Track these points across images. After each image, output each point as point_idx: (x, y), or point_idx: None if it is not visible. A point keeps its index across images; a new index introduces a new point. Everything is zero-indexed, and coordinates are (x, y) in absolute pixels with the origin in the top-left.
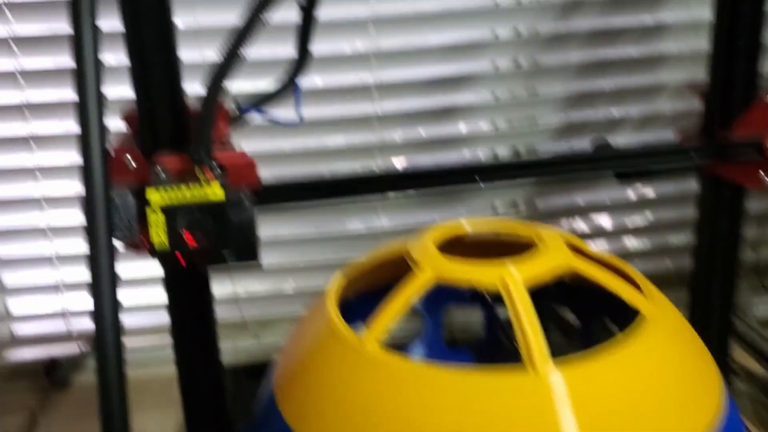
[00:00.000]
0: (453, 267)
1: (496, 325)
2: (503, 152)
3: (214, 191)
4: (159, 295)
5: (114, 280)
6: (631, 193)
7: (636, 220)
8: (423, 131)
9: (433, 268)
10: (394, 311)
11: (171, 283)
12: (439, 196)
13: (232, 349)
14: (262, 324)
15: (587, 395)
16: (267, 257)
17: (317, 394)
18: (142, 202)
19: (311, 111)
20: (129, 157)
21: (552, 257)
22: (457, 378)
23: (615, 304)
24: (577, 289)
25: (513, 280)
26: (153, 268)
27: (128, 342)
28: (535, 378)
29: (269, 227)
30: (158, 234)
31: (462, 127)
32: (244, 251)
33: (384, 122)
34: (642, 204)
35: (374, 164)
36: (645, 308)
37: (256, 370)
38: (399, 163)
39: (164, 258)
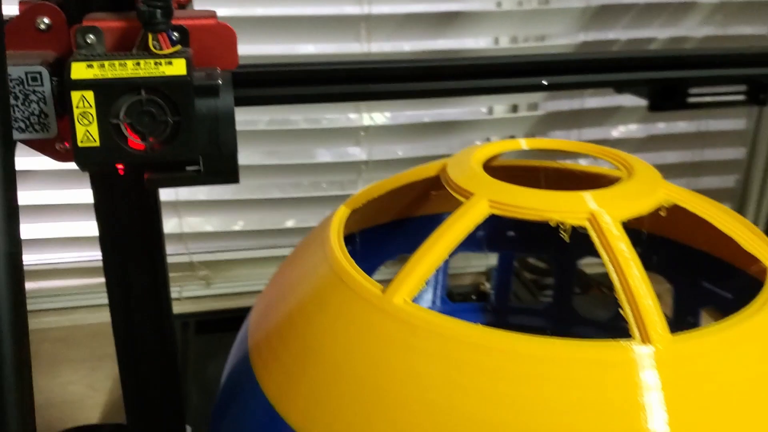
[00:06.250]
0: (517, 195)
1: (509, 278)
2: None
3: (173, 67)
4: (84, 225)
5: (13, 198)
6: None
7: (672, 127)
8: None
9: (489, 196)
10: (434, 257)
11: (104, 204)
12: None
13: (175, 295)
14: (212, 266)
15: (723, 376)
16: (213, 189)
17: (315, 365)
18: (63, 83)
19: None
20: (43, 17)
21: (647, 188)
22: (540, 350)
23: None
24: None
25: (606, 213)
26: (76, 182)
27: (44, 284)
28: (651, 351)
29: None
30: (86, 130)
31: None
32: (216, 161)
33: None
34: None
35: None
36: None
37: (209, 323)
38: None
39: (94, 165)
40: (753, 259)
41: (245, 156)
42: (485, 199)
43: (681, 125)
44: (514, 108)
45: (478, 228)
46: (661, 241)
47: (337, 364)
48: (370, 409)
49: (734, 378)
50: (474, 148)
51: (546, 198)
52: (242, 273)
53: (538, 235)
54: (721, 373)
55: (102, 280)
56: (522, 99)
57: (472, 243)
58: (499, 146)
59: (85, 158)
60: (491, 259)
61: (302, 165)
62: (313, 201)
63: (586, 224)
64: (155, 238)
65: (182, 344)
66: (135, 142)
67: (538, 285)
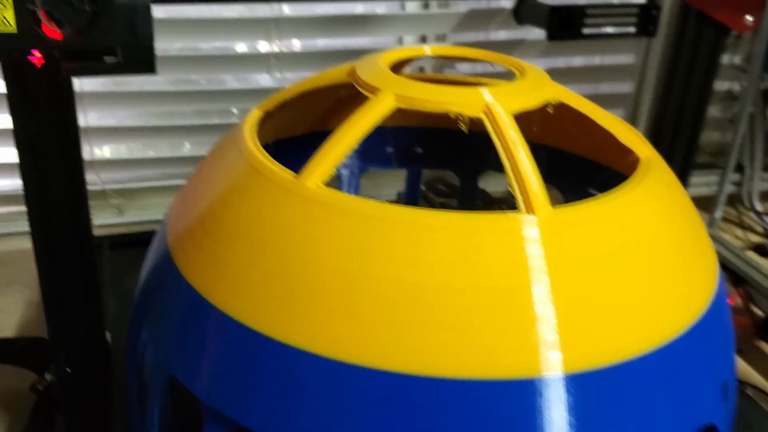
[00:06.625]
0: (421, 90)
1: (416, 196)
2: None
3: None
4: None
5: None
6: None
7: (569, 61)
8: None
9: (395, 91)
10: (345, 144)
11: (18, 98)
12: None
13: None
14: (124, 195)
15: (595, 241)
16: (124, 116)
17: (237, 249)
18: None
19: None
20: None
21: (537, 86)
22: (438, 223)
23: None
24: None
25: (500, 106)
26: None
27: None
28: (538, 221)
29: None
30: (2, 15)
31: None
32: (133, 51)
33: None
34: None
35: None
36: (648, 155)
37: (123, 243)
38: None
39: (10, 51)
40: (629, 153)
41: (156, 82)
42: (391, 94)
43: (578, 60)
44: (423, 39)
45: (388, 144)
46: (551, 150)
47: (258, 245)
48: (289, 279)
49: (604, 243)
50: (381, 53)
51: (447, 92)
52: (155, 201)
53: (444, 151)
54: (594, 238)
55: (7, 209)
56: (430, 31)
57: (382, 160)
58: (405, 51)
59: (1, 44)
60: (400, 185)
61: (213, 92)
62: (224, 128)
63: (482, 115)
64: (71, 136)
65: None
66: (52, 29)
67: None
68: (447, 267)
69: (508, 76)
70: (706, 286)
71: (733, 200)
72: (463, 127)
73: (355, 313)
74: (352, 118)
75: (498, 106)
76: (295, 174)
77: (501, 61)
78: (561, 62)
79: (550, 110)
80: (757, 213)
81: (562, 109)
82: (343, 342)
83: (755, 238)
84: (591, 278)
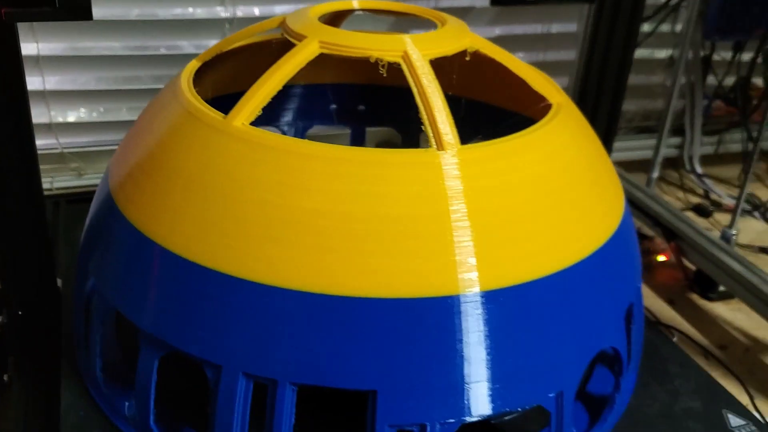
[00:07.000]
0: (345, 37)
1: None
2: None
3: None
4: None
5: None
6: None
7: (516, 30)
8: None
9: (320, 38)
10: (270, 86)
11: None
12: None
13: (47, 186)
14: (84, 158)
15: (503, 174)
16: (83, 81)
17: (174, 188)
18: None
19: None
20: None
21: (455, 35)
22: (356, 157)
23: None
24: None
25: (418, 51)
26: None
27: None
28: (447, 157)
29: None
30: None
31: None
32: None
33: None
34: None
35: None
36: (559, 101)
37: (80, 200)
38: None
39: None
40: (542, 100)
41: (114, 48)
42: (316, 40)
43: (525, 28)
44: None
45: (330, 101)
46: (475, 105)
47: (191, 183)
48: (220, 213)
49: (512, 176)
50: (310, 6)
51: (370, 39)
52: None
53: (385, 108)
54: (502, 172)
55: None
56: None
57: (325, 117)
58: (333, 5)
59: None
60: None
61: (171, 57)
62: None
63: (400, 60)
64: (17, 82)
65: (53, 216)
66: None
67: None
68: (370, 196)
69: None
70: (611, 217)
71: (676, 164)
72: (382, 71)
73: (283, 241)
74: (278, 63)
75: (416, 51)
76: (224, 115)
77: (424, 13)
78: (508, 30)
79: (467, 58)
80: (698, 175)
81: (482, 62)
82: (274, 268)
83: (695, 199)
84: (499, 207)
